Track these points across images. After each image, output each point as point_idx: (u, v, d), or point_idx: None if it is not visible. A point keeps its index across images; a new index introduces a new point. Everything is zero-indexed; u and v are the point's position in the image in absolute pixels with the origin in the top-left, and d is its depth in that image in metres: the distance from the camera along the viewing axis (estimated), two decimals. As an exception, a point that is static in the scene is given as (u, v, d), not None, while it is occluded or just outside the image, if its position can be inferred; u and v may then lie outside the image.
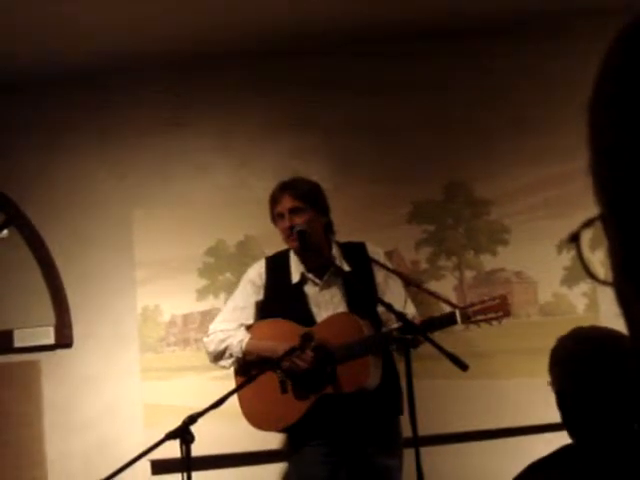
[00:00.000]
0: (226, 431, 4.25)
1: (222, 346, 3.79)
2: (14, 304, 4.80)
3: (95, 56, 4.77)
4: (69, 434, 4.67)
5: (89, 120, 4.95)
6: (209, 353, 3.85)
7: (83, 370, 4.73)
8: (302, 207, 3.74)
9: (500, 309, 3.50)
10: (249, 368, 3.79)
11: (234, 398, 3.56)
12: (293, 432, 3.78)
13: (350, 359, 3.58)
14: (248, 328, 3.84)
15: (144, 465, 4.32)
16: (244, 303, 3.89)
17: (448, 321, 3.52)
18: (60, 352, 4.76)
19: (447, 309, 3.74)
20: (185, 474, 3.11)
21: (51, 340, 4.74)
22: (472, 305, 3.55)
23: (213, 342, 3.82)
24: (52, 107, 4.96)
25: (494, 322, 3.51)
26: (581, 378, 1.91)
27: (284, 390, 3.68)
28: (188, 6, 4.38)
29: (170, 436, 3.07)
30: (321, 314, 3.75)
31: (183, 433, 3.07)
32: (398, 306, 3.66)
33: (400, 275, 3.95)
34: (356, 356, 3.58)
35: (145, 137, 4.93)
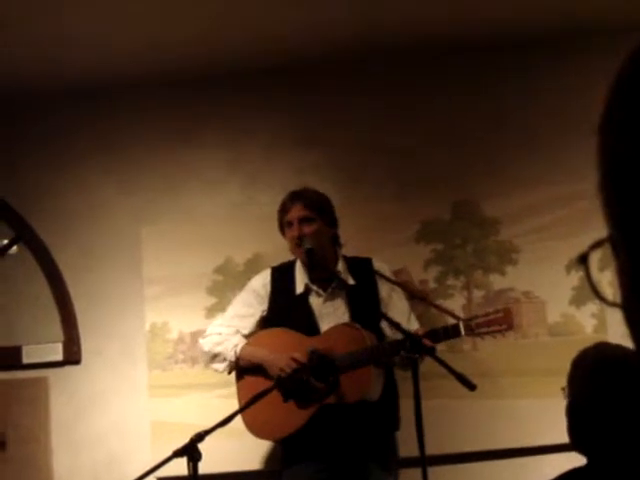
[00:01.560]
0: (233, 449, 4.24)
1: (217, 349, 3.81)
2: (23, 320, 4.81)
3: (104, 70, 4.79)
4: (77, 450, 4.67)
5: (98, 136, 4.97)
6: (203, 354, 3.87)
7: (91, 387, 4.73)
8: (311, 217, 3.77)
9: (504, 322, 3.50)
10: (243, 374, 3.80)
11: (240, 417, 3.56)
12: (288, 446, 3.77)
13: (353, 368, 3.58)
14: (247, 337, 3.85)
15: (151, 482, 4.31)
16: (244, 312, 3.90)
17: (452, 333, 3.52)
18: (68, 368, 4.76)
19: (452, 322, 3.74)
20: (192, 492, 3.10)
21: (59, 356, 4.74)
22: (476, 317, 3.55)
23: (208, 344, 3.85)
24: (61, 123, 4.98)
25: (498, 335, 3.51)
26: (596, 391, 1.90)
27: (286, 399, 3.66)
28: (197, 23, 4.41)
29: (177, 454, 3.06)
30: (324, 325, 3.76)
31: (190, 451, 3.06)
32: (401, 321, 3.67)
33: (405, 288, 3.96)
34: (359, 365, 3.58)
35: (153, 154, 4.94)
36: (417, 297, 3.84)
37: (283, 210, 3.84)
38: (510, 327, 3.51)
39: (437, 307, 4.06)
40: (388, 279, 3.87)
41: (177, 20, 4.37)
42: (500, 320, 3.50)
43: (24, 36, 4.35)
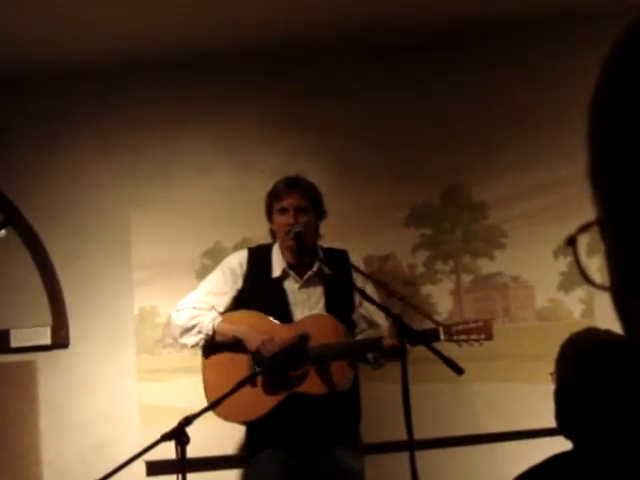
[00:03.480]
0: (221, 433, 4.25)
1: (191, 322, 3.78)
2: (11, 304, 4.80)
3: (95, 56, 4.77)
4: (65, 435, 4.67)
5: (88, 120, 4.95)
6: (175, 327, 3.81)
7: (79, 371, 4.73)
8: (307, 207, 3.77)
9: (483, 332, 3.57)
10: (215, 351, 3.79)
11: (204, 397, 3.59)
12: (255, 432, 3.78)
13: (328, 360, 3.59)
14: (221, 315, 3.84)
15: (139, 466, 4.31)
16: (219, 289, 3.88)
17: (431, 337, 3.54)
18: (56, 352, 4.76)
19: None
20: (180, 475, 3.10)
21: (48, 340, 4.74)
22: (456, 324, 3.61)
23: (182, 317, 3.81)
24: (51, 106, 4.96)
25: (475, 344, 3.57)
26: (583, 376, 1.91)
27: (253, 383, 3.65)
28: (189, 7, 4.39)
29: (165, 437, 3.06)
30: (297, 312, 3.76)
31: (179, 434, 3.06)
32: (374, 314, 3.74)
33: (384, 287, 3.96)
34: (335, 358, 3.60)
35: (144, 138, 4.93)
36: (395, 297, 3.84)
37: (276, 196, 3.81)
38: (488, 337, 3.58)
39: (416, 309, 4.07)
40: (363, 273, 3.89)
41: (168, 4, 4.35)
42: (479, 330, 3.57)
43: (15, 21, 4.32)
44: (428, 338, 3.52)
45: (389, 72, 4.89)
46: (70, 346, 4.76)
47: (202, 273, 4.70)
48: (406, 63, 4.88)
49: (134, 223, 4.81)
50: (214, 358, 3.81)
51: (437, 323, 3.67)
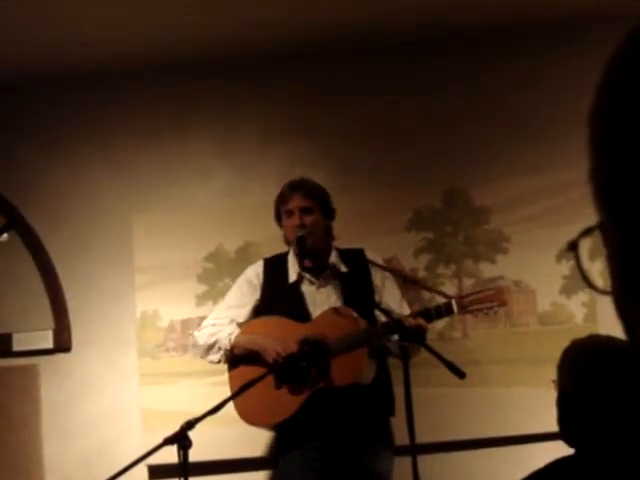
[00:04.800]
0: (224, 437, 4.25)
1: (212, 340, 3.79)
2: (13, 308, 4.80)
3: (96, 59, 4.77)
4: (67, 438, 4.67)
5: (90, 124, 4.96)
6: (199, 346, 3.84)
7: (81, 374, 4.73)
8: (312, 207, 3.77)
9: (496, 299, 3.51)
10: (238, 363, 3.79)
11: (232, 404, 3.56)
12: (283, 433, 3.77)
13: (346, 351, 3.58)
14: (240, 325, 3.85)
15: (141, 470, 4.31)
16: (238, 302, 3.89)
17: (445, 311, 3.53)
18: (59, 356, 4.76)
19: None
20: (182, 479, 3.10)
21: (50, 344, 4.74)
22: (468, 295, 3.57)
23: (203, 335, 3.83)
24: (52, 110, 4.96)
25: (490, 312, 3.52)
26: (585, 381, 1.90)
27: (278, 385, 3.66)
28: (189, 10, 4.39)
29: (168, 441, 3.06)
30: (316, 312, 3.76)
31: (181, 438, 3.06)
32: (394, 308, 3.69)
33: (396, 273, 3.96)
34: (351, 348, 3.58)
35: (145, 142, 4.93)
36: (409, 281, 3.84)
37: (282, 199, 3.82)
38: (503, 304, 3.53)
39: (429, 289, 4.07)
40: (381, 266, 3.87)
41: (168, 6, 4.35)
42: (492, 297, 3.51)
43: (15, 23, 4.33)
44: (442, 312, 3.51)
45: (389, 76, 4.89)
46: (72, 350, 4.76)
47: (204, 277, 4.71)
48: (407, 67, 4.88)
49: (136, 227, 4.81)
50: (237, 370, 3.82)
51: (449, 297, 3.64)
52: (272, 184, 4.00)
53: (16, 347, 4.74)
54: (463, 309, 3.51)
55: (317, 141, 4.85)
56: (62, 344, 4.75)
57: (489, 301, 3.52)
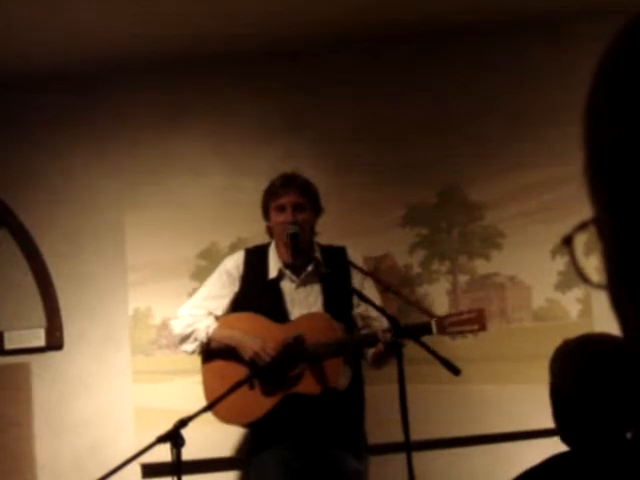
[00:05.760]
0: (217, 435, 4.23)
1: (188, 330, 3.79)
2: (5, 305, 4.78)
3: (90, 57, 4.76)
4: (59, 436, 4.65)
5: (82, 122, 4.93)
6: (174, 335, 3.85)
7: (74, 372, 4.72)
8: (305, 204, 3.75)
9: (476, 322, 3.51)
10: (213, 357, 3.78)
11: (204, 401, 3.57)
12: (256, 433, 3.76)
13: (323, 358, 3.57)
14: (217, 318, 3.83)
15: (134, 468, 4.29)
16: (216, 293, 3.88)
17: (423, 330, 3.50)
18: (51, 354, 4.74)
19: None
20: (175, 478, 3.09)
21: (42, 342, 4.72)
22: (449, 316, 3.56)
23: (180, 325, 3.83)
24: (45, 108, 4.94)
25: (469, 335, 3.54)
26: (579, 376, 1.90)
27: (252, 385, 3.65)
28: (184, 8, 4.37)
29: (161, 439, 3.05)
30: (295, 312, 3.74)
31: (174, 437, 3.05)
32: (372, 312, 3.68)
33: (379, 280, 3.95)
34: (330, 356, 3.57)
35: (137, 139, 4.91)
36: (391, 291, 3.82)
37: (273, 194, 3.79)
38: (482, 328, 3.53)
39: (410, 303, 4.04)
40: (361, 270, 3.86)
41: (161, 4, 4.33)
42: (472, 320, 3.51)
43: (12, 22, 4.31)
44: (420, 331, 3.48)
45: (385, 73, 4.87)
46: (64, 348, 4.75)
47: (197, 274, 4.69)
48: (402, 64, 4.87)
49: (128, 224, 4.80)
50: (212, 363, 3.81)
51: (430, 316, 3.62)
52: (265, 181, 3.97)
53: (8, 345, 4.72)
54: (442, 330, 3.50)
55: (312, 138, 4.83)
56: (54, 342, 4.73)
57: (470, 324, 3.52)
